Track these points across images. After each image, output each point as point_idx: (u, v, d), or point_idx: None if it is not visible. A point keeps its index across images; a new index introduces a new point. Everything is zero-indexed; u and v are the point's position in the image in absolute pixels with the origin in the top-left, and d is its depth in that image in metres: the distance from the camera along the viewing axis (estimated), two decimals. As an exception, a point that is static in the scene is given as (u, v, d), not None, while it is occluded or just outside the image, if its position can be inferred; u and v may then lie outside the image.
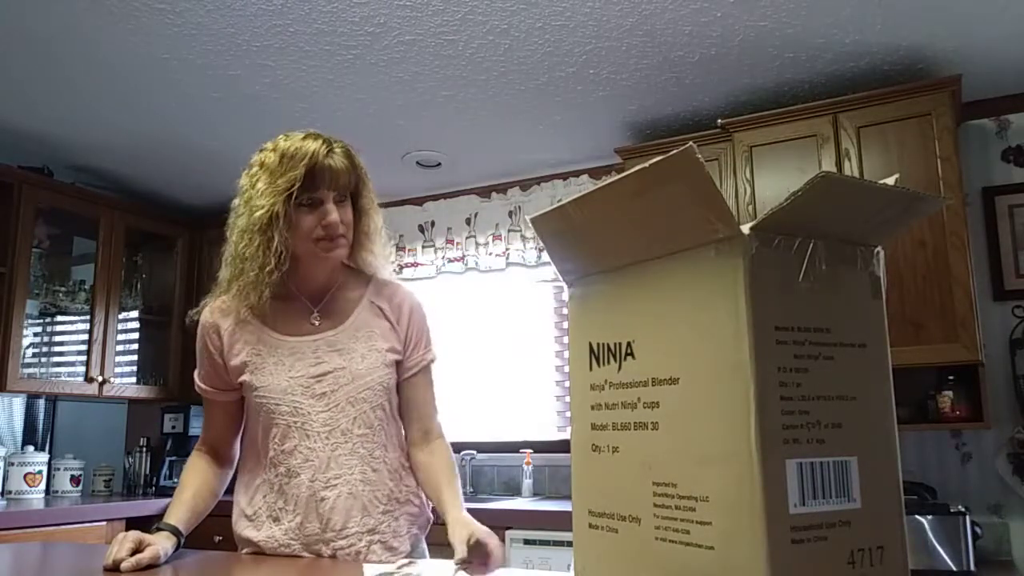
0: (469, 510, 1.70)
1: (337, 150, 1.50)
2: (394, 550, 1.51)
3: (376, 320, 1.58)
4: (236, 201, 1.53)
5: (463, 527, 1.39)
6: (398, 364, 1.59)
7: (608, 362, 0.72)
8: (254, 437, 1.55)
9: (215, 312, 1.56)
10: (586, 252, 0.74)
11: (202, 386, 1.60)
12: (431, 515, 1.63)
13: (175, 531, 1.47)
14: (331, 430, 1.49)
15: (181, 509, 1.52)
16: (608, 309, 0.73)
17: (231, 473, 1.66)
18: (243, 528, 1.54)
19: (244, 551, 1.56)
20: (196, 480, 1.59)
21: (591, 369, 0.74)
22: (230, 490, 1.65)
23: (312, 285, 1.57)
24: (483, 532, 1.37)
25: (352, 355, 1.53)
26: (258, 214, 1.44)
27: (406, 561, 1.31)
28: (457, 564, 1.30)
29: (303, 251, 1.50)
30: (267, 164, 1.47)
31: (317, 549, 1.48)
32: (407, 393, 1.61)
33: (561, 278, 0.80)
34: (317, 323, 1.55)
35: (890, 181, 0.65)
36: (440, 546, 1.57)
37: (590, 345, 0.74)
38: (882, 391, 0.67)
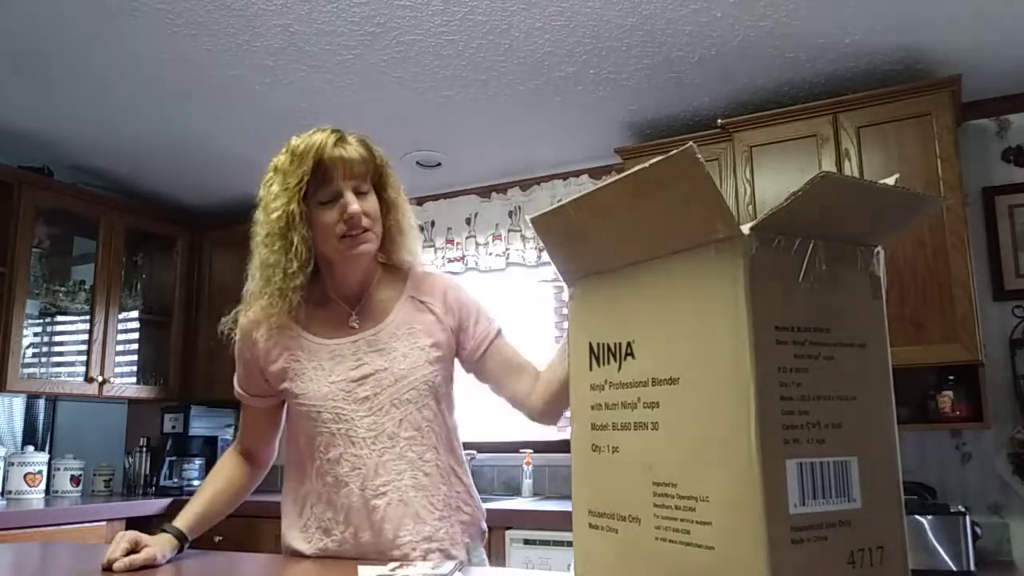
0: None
1: (350, 140, 1.43)
2: (454, 559, 1.43)
3: (418, 315, 1.50)
4: (257, 212, 1.45)
5: None
6: (463, 349, 1.52)
7: (608, 362, 0.71)
8: (298, 445, 1.50)
9: (251, 321, 1.50)
10: (586, 252, 0.74)
11: (239, 391, 1.55)
12: (485, 527, 1.56)
13: (179, 534, 1.44)
14: (376, 435, 1.42)
15: (193, 511, 1.49)
16: (608, 309, 0.73)
17: (263, 475, 1.62)
18: (292, 539, 1.49)
19: None
20: (220, 481, 1.55)
21: (591, 369, 0.73)
22: (268, 488, 1.60)
23: (348, 287, 1.50)
24: None
25: (393, 354, 1.46)
26: (274, 216, 1.39)
27: (397, 564, 1.29)
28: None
29: (331, 251, 1.43)
30: (280, 167, 1.42)
31: (375, 560, 1.40)
32: (492, 364, 1.52)
33: (561, 278, 0.80)
34: (356, 325, 1.48)
35: (890, 181, 0.65)
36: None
37: (590, 345, 0.74)
38: (882, 391, 0.67)
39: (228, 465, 1.59)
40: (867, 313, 0.67)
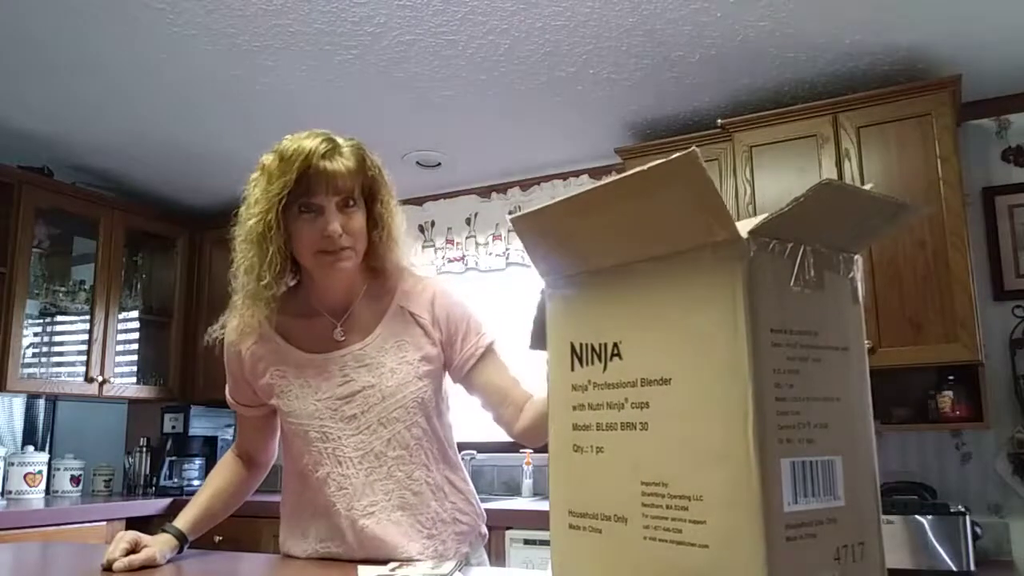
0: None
1: (343, 150, 1.36)
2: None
3: (407, 328, 1.45)
4: (240, 210, 1.41)
5: None
6: (450, 364, 1.47)
7: (592, 363, 0.72)
8: (293, 458, 1.48)
9: (235, 332, 1.47)
10: (570, 253, 0.74)
11: (231, 400, 1.56)
12: (485, 531, 1.54)
13: (179, 534, 1.44)
14: (364, 454, 1.39)
15: (193, 511, 1.49)
16: (592, 310, 0.73)
17: (263, 476, 1.62)
18: (291, 548, 1.48)
19: None
20: (219, 482, 1.55)
21: (572, 369, 0.74)
22: (268, 488, 1.60)
23: (332, 299, 1.45)
24: None
25: (381, 370, 1.41)
26: (251, 223, 1.35)
27: (397, 564, 1.29)
28: None
29: (310, 265, 1.39)
30: (267, 167, 1.36)
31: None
32: (478, 383, 1.46)
33: (540, 278, 0.79)
34: (342, 339, 1.44)
35: (867, 187, 0.66)
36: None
37: (572, 345, 0.74)
38: (862, 393, 0.68)
39: (228, 466, 1.59)
40: (848, 318, 0.69)
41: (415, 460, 1.42)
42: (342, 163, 1.35)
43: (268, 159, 1.37)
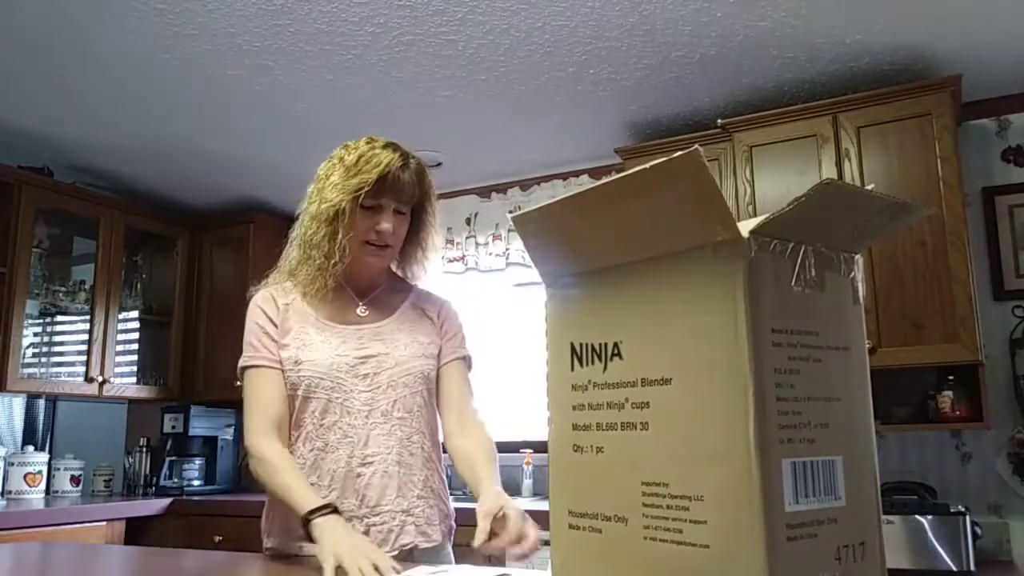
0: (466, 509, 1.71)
1: (411, 165, 1.58)
2: (427, 536, 1.52)
3: (420, 320, 1.67)
4: (310, 187, 1.60)
5: (495, 498, 1.38)
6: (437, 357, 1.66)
7: (592, 362, 0.72)
8: (298, 412, 1.56)
9: (276, 289, 1.62)
10: (571, 252, 0.74)
11: (256, 360, 1.54)
12: (454, 524, 1.65)
13: (334, 508, 1.37)
14: (371, 410, 1.53)
15: (307, 484, 1.44)
16: (593, 309, 0.73)
17: None
18: (274, 507, 1.54)
19: (268, 545, 1.56)
20: (286, 460, 1.47)
21: (572, 369, 0.74)
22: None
23: (361, 280, 1.64)
24: (515, 511, 1.36)
25: (396, 343, 1.60)
26: (325, 206, 1.52)
27: (399, 565, 1.30)
28: (477, 545, 1.27)
29: (353, 249, 1.56)
30: (345, 161, 1.55)
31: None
32: (442, 383, 1.66)
33: (541, 278, 0.79)
34: (365, 314, 1.62)
35: (869, 188, 0.66)
36: (461, 547, 1.52)
37: (572, 345, 0.74)
38: (863, 393, 0.68)
39: (278, 451, 1.49)
40: (849, 318, 0.69)
41: (415, 425, 1.58)
42: (410, 176, 1.57)
43: (348, 154, 1.56)
